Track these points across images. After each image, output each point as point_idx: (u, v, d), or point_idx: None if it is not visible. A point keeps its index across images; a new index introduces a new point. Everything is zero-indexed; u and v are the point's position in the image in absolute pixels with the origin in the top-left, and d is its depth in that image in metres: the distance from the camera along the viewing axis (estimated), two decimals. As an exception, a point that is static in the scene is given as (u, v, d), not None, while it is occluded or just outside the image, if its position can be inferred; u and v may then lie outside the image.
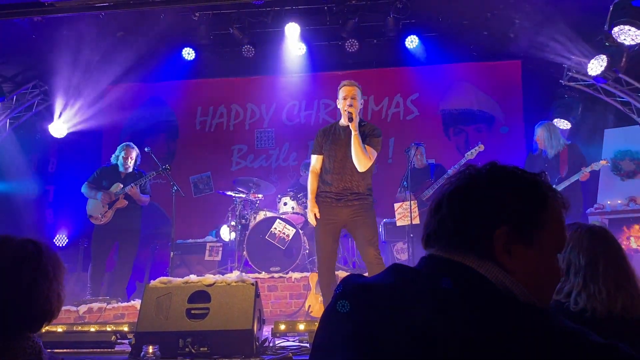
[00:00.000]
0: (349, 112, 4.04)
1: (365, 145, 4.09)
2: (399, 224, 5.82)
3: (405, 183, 5.74)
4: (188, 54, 7.98)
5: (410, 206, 5.46)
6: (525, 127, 7.81)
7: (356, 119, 4.04)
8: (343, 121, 4.15)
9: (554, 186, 1.13)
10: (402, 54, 7.94)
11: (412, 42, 7.75)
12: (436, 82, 8.20)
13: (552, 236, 1.04)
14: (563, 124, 7.04)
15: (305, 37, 7.74)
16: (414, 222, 5.50)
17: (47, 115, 7.95)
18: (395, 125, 8.31)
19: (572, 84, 7.23)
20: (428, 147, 6.62)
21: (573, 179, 5.49)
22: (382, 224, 6.87)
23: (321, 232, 4.18)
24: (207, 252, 6.79)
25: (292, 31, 7.44)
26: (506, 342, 0.84)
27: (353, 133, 4.02)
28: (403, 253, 6.54)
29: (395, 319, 0.93)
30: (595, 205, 6.39)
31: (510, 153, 7.43)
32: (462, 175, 1.08)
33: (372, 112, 8.41)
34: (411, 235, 5.53)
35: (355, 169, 4.08)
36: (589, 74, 6.14)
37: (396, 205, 5.81)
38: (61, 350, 3.45)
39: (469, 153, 5.91)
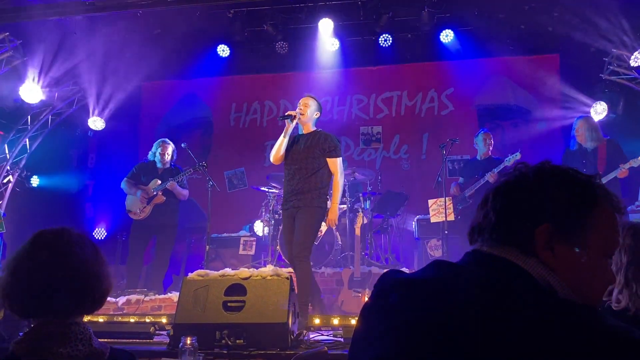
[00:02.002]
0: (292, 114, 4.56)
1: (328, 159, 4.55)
2: (433, 220, 5.76)
3: (439, 179, 5.68)
4: (223, 50, 8.08)
5: (445, 202, 5.41)
6: (563, 123, 7.62)
7: (296, 119, 4.55)
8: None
9: None
10: (437, 48, 7.86)
11: (447, 36, 7.66)
12: (472, 76, 8.07)
13: (601, 239, 1.02)
14: (602, 111, 6.82)
15: (339, 33, 7.73)
16: (448, 219, 5.44)
17: (87, 111, 8.17)
18: (430, 120, 8.23)
19: (613, 78, 7.01)
20: (463, 142, 6.50)
21: (611, 175, 5.35)
22: (415, 220, 6.83)
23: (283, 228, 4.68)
24: (241, 246, 6.88)
25: (326, 27, 7.43)
26: (548, 338, 0.83)
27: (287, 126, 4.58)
28: (437, 250, 6.48)
29: (436, 313, 0.93)
30: (637, 203, 6.19)
31: (547, 149, 7.27)
32: (513, 171, 1.09)
33: (406, 107, 8.35)
34: (445, 232, 5.47)
35: (306, 174, 4.48)
36: (632, 65, 5.96)
37: (430, 201, 5.75)
38: (102, 340, 3.55)
39: (507, 160, 5.83)
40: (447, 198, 5.50)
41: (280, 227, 6.19)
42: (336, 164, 4.55)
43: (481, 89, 8.13)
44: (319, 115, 4.74)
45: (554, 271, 0.98)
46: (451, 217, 5.48)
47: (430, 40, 7.80)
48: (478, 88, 8.14)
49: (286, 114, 4.58)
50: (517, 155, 5.80)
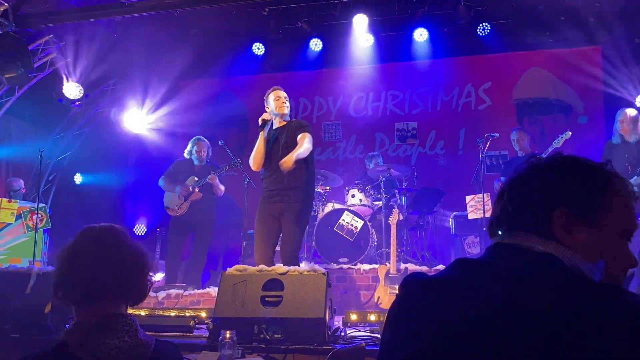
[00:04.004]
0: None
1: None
2: (470, 216, 5.70)
3: (477, 176, 5.60)
4: (258, 49, 8.15)
5: (483, 198, 5.33)
6: (606, 117, 7.40)
7: (269, 122, 4.45)
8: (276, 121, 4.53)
9: (635, 176, 1.12)
10: (474, 42, 7.74)
11: (484, 29, 7.53)
12: (510, 70, 7.92)
13: (617, 221, 1.04)
14: None
15: (373, 28, 7.70)
16: (486, 215, 5.36)
17: (127, 110, 8.38)
18: (466, 115, 8.12)
19: (659, 69, 6.77)
20: (501, 137, 6.38)
21: None
22: (452, 216, 6.75)
23: (260, 224, 4.39)
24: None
25: (360, 22, 7.41)
26: (583, 320, 0.83)
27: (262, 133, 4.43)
28: (475, 247, 6.40)
29: (461, 310, 0.93)
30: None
31: (589, 144, 7.06)
32: (525, 164, 1.12)
33: (442, 102, 8.25)
34: (484, 228, 5.39)
35: (290, 170, 4.23)
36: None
37: (468, 197, 5.68)
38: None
39: (556, 141, 5.68)
40: (485, 194, 5.42)
41: (316, 224, 6.22)
42: (304, 136, 4.33)
43: (520, 82, 7.97)
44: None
45: (575, 252, 1.01)
46: (490, 214, 5.38)
47: (467, 34, 7.69)
48: (516, 82, 7.98)
49: (260, 121, 4.42)
50: (568, 135, 5.68)
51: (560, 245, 1.01)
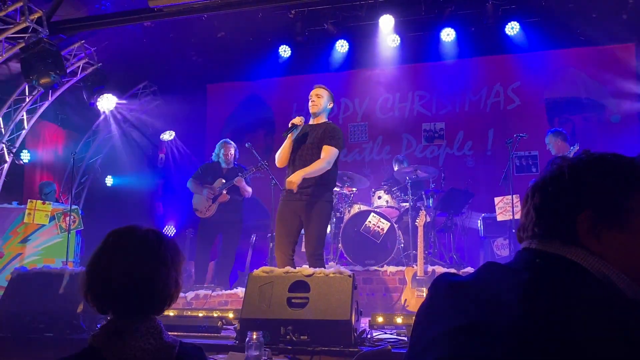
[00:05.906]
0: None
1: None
2: (499, 218, 5.62)
3: (505, 176, 5.52)
4: (284, 51, 8.20)
5: (512, 200, 5.25)
6: (640, 115, 7.21)
7: (301, 126, 4.43)
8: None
9: None
10: (502, 41, 7.64)
11: (512, 28, 7.42)
12: (540, 69, 7.78)
13: None
14: None
15: (400, 29, 7.67)
16: (516, 217, 5.28)
17: (157, 114, 8.52)
18: (495, 115, 8.00)
19: (696, 66, 6.56)
20: (530, 138, 6.28)
21: None
22: (481, 218, 6.66)
23: (280, 222, 4.43)
24: (303, 244, 6.93)
25: (386, 23, 7.39)
26: (602, 337, 0.80)
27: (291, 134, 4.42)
28: (504, 249, 6.31)
29: (487, 317, 0.91)
30: None
31: (622, 144, 6.88)
32: (550, 166, 1.07)
33: (470, 102, 8.16)
34: (513, 230, 5.31)
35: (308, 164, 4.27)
36: None
37: (497, 199, 5.60)
38: (172, 333, 3.69)
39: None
40: (514, 195, 5.33)
41: (342, 225, 6.21)
42: (328, 152, 4.27)
43: (550, 82, 7.82)
44: (332, 105, 4.56)
45: (603, 258, 0.95)
46: (519, 216, 5.30)
47: (495, 33, 7.59)
48: (546, 81, 7.83)
49: (290, 125, 4.40)
50: (576, 147, 5.58)
51: (587, 252, 0.95)
